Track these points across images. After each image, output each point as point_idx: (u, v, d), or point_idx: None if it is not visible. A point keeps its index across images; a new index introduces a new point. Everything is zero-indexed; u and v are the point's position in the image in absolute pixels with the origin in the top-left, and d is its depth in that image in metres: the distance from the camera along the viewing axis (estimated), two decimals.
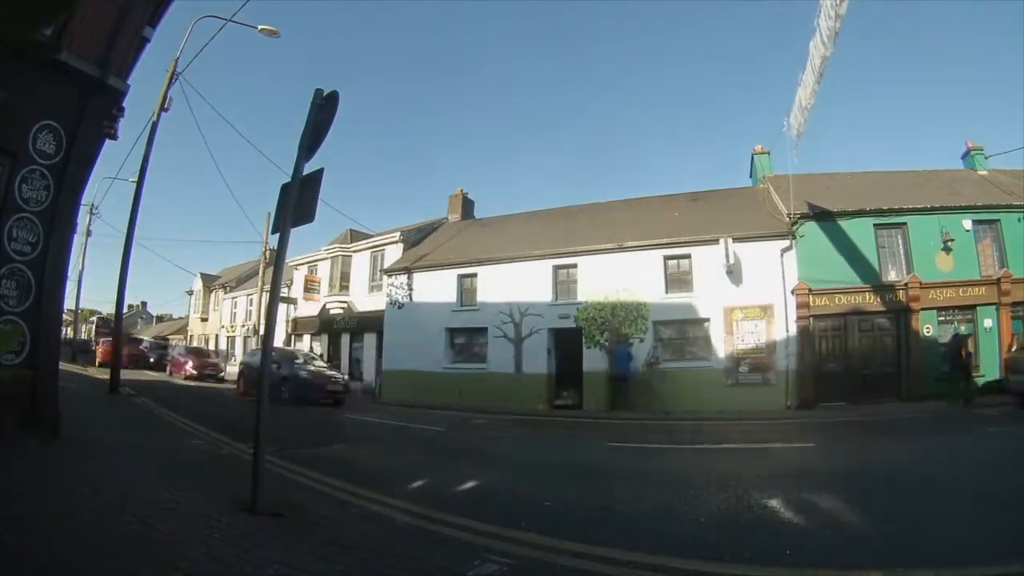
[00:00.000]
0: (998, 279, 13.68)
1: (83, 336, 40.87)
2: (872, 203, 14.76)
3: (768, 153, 19.03)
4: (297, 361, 15.46)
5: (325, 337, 24.22)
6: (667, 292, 15.69)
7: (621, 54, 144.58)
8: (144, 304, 65.00)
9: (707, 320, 15.11)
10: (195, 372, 21.67)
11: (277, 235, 4.32)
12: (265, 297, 23.63)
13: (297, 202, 4.02)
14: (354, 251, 23.57)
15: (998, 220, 14.25)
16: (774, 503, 4.42)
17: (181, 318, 48.75)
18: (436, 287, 19.25)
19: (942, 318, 14.05)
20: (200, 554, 2.86)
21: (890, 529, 3.66)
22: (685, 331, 15.59)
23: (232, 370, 20.78)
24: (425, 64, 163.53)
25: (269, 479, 3.88)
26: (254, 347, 21.58)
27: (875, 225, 14.59)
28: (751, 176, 19.89)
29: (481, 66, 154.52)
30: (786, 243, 14.59)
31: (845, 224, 14.57)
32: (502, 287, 17.92)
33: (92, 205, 25.58)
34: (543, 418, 13.80)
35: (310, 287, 24.45)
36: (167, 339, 37.57)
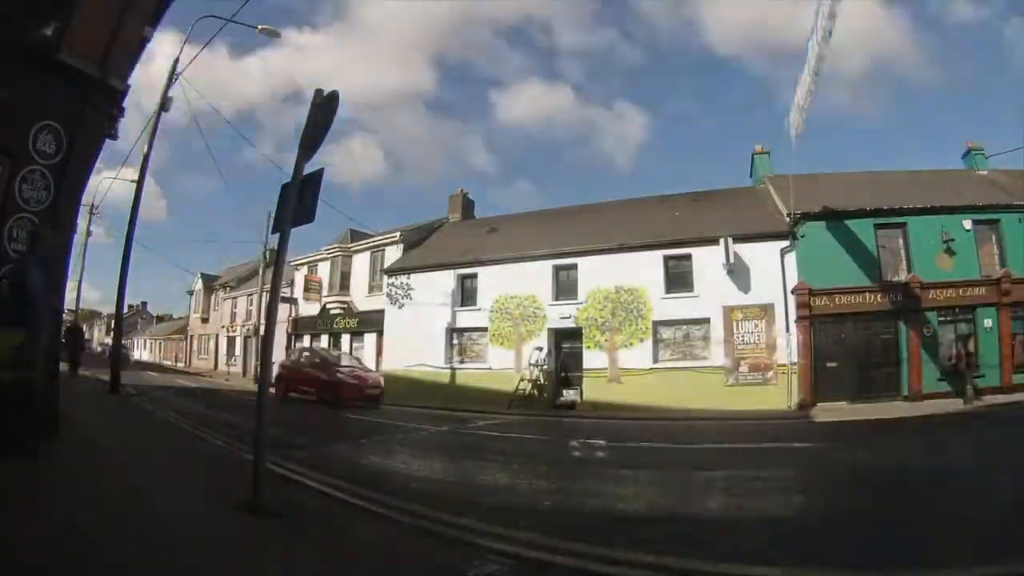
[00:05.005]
0: (998, 279, 13.68)
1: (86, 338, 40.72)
2: (872, 203, 14.75)
3: (768, 153, 19.04)
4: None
5: (325, 337, 24.21)
6: (667, 292, 15.70)
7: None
8: (144, 304, 65.04)
9: (707, 320, 15.11)
10: None
11: (277, 235, 4.31)
12: (265, 297, 23.61)
13: (297, 202, 4.01)
14: (354, 251, 23.55)
15: (998, 220, 14.25)
16: None
17: (181, 318, 48.75)
18: (436, 287, 19.25)
19: (942, 318, 14.04)
20: (201, 554, 2.85)
21: None
22: (685, 331, 15.60)
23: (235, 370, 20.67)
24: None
25: (270, 479, 3.87)
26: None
27: (875, 225, 14.58)
28: (751, 176, 19.89)
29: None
30: (786, 243, 14.59)
31: (845, 224, 14.56)
32: (503, 287, 17.92)
33: (92, 205, 25.56)
34: (544, 418, 13.77)
35: (310, 287, 24.44)
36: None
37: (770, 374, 14.32)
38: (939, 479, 5.28)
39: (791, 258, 14.51)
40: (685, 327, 15.60)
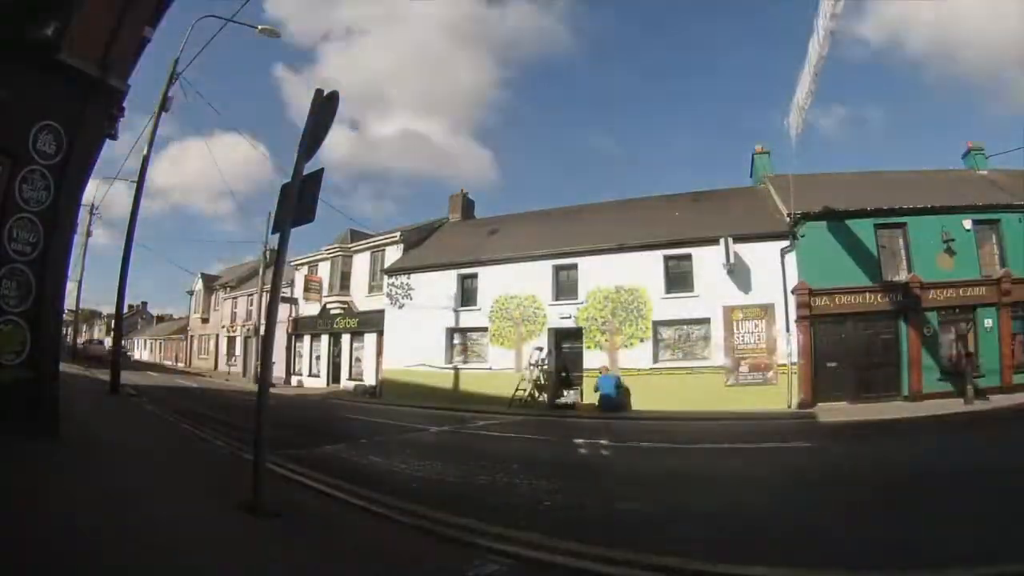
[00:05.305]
0: (998, 279, 13.66)
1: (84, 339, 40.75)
2: (872, 203, 14.73)
3: (768, 153, 19.02)
4: None
5: (325, 338, 24.23)
6: (667, 292, 15.69)
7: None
8: (144, 304, 65.03)
9: (707, 320, 15.11)
10: None
11: (277, 235, 4.31)
12: (265, 297, 23.62)
13: (297, 202, 4.02)
14: (354, 251, 23.55)
15: (998, 220, 14.22)
16: None
17: (182, 318, 48.73)
18: (436, 287, 19.25)
19: (942, 318, 14.03)
20: (201, 554, 2.85)
21: None
22: (685, 331, 15.59)
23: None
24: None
25: (270, 479, 3.87)
26: None
27: (875, 225, 14.56)
28: (751, 176, 19.87)
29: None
30: (786, 243, 14.57)
31: (846, 224, 14.55)
32: (503, 287, 17.93)
33: (92, 205, 25.61)
34: (544, 418, 13.78)
35: (310, 287, 24.44)
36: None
37: (770, 374, 14.31)
38: (946, 477, 5.28)
39: (791, 258, 14.50)
40: (685, 327, 15.58)
